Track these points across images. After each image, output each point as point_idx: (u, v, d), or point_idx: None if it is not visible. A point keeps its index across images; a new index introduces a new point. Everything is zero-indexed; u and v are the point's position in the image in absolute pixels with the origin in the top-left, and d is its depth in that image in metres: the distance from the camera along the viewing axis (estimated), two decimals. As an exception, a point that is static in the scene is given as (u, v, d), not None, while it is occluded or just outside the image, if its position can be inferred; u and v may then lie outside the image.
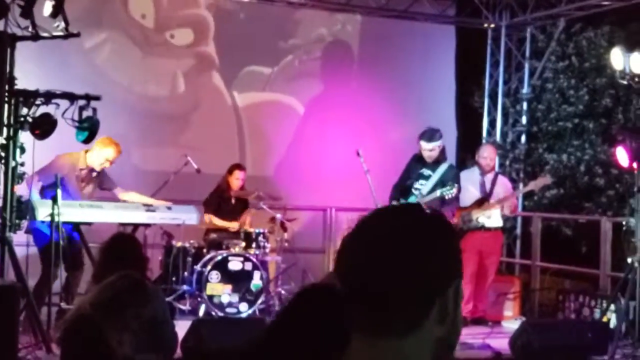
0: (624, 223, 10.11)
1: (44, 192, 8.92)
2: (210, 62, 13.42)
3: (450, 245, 1.74)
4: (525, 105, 14.51)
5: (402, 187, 9.96)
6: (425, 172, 9.98)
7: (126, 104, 12.50)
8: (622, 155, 9.36)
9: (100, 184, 9.64)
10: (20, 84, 7.76)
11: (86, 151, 9.30)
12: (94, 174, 9.45)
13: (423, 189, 9.92)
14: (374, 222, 1.75)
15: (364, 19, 14.23)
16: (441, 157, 10.06)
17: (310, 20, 13.97)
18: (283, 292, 11.25)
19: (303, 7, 13.74)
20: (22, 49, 7.83)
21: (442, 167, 10.02)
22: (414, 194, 9.93)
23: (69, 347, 4.50)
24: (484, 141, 13.93)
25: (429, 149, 9.92)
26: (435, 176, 9.96)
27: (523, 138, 14.56)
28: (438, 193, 9.76)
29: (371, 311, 1.67)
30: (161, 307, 5.31)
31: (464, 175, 10.94)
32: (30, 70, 9.36)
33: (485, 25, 14.65)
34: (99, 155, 9.32)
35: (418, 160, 10.06)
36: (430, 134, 9.98)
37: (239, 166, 11.30)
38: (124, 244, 5.41)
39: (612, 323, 9.82)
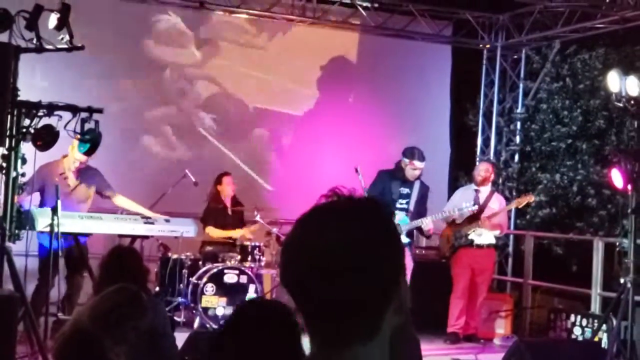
0: (617, 244, 10.20)
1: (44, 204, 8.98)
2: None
3: (394, 237, 1.66)
4: (519, 124, 14.64)
5: None
6: (404, 190, 10.10)
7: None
8: (617, 177, 9.42)
9: (98, 188, 9.69)
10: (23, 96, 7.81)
11: (64, 156, 9.37)
12: (76, 175, 9.49)
13: (411, 207, 10.06)
14: (314, 227, 1.64)
15: (361, 37, 14.34)
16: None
17: (308, 37, 14.05)
18: (277, 306, 11.30)
19: (302, 23, 13.84)
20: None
21: (417, 184, 10.16)
22: (396, 213, 9.92)
23: None
24: (477, 159, 14.02)
25: (420, 168, 10.05)
26: (414, 193, 10.11)
27: (516, 157, 14.68)
28: (465, 211, 10.14)
29: (329, 322, 1.59)
30: (161, 320, 5.35)
31: (460, 192, 11.06)
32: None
33: (481, 45, 14.79)
34: (71, 155, 9.37)
35: (393, 177, 10.13)
36: (421, 154, 10.12)
37: (225, 173, 11.39)
38: (124, 257, 5.45)
39: (604, 343, 9.88)
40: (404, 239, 9.96)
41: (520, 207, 12.26)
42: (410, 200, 10.06)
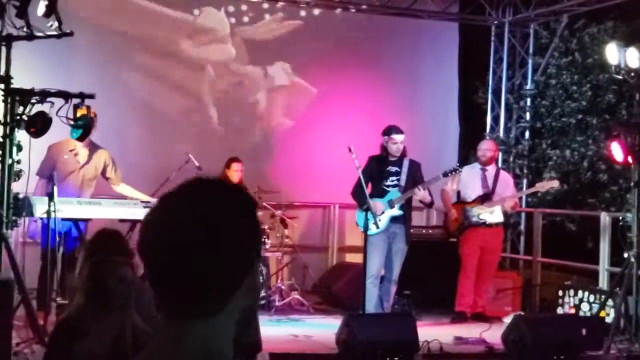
0: (620, 218, 10.15)
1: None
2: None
3: (251, 221, 1.70)
4: (529, 101, 14.55)
5: (375, 189, 10.05)
6: (392, 169, 10.14)
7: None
8: (616, 150, 9.38)
9: (103, 170, 9.76)
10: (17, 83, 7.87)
11: None
12: (87, 147, 9.55)
13: (402, 182, 10.08)
14: (170, 203, 1.68)
15: (367, 17, 14.28)
16: (405, 152, 10.20)
17: (313, 19, 14.02)
18: (283, 287, 11.35)
19: (307, 5, 13.80)
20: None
21: (406, 161, 10.18)
22: (388, 191, 10.06)
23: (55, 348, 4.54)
24: (487, 137, 13.94)
25: (400, 141, 10.08)
26: (404, 169, 10.12)
27: (527, 134, 14.59)
28: (441, 175, 10.09)
29: (171, 295, 1.63)
30: (145, 303, 5.33)
31: (466, 170, 11.00)
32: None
33: (489, 22, 14.70)
34: None
35: (378, 161, 10.19)
36: (398, 128, 10.16)
37: (235, 159, 11.41)
38: (107, 237, 5.43)
39: (611, 318, 9.84)
40: (396, 212, 9.98)
41: (543, 191, 12.23)
42: (400, 177, 10.08)
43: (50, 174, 8.81)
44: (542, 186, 11.63)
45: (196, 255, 1.60)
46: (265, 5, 13.72)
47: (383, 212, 9.91)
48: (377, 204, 9.86)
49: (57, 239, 8.41)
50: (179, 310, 1.63)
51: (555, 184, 11.66)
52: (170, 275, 1.63)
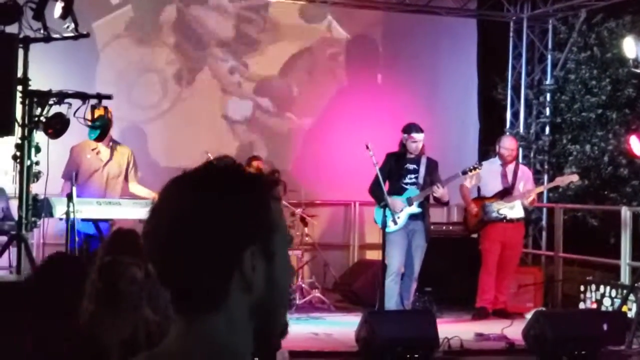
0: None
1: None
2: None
3: (236, 209, 1.61)
4: (548, 96, 14.49)
5: (393, 186, 10.08)
6: (410, 166, 10.19)
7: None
8: (636, 144, 9.35)
9: (126, 169, 9.82)
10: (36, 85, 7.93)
11: None
12: (108, 147, 9.60)
13: (420, 180, 10.14)
14: (163, 193, 1.67)
15: (385, 15, 14.26)
16: (423, 150, 10.25)
17: (332, 17, 14.02)
18: (304, 285, 11.36)
19: (324, 3, 13.80)
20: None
21: (424, 159, 10.23)
22: (407, 188, 10.10)
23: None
24: (507, 133, 13.88)
25: (420, 140, 10.14)
26: (422, 167, 10.17)
27: (547, 129, 14.53)
28: (460, 173, 10.26)
29: (175, 289, 1.62)
30: (160, 303, 5.30)
31: (486, 166, 10.97)
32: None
33: (507, 17, 14.65)
34: None
35: (397, 158, 10.22)
36: (418, 127, 10.20)
37: (255, 157, 11.44)
38: (122, 237, 5.42)
39: (633, 313, 9.79)
40: (415, 209, 10.00)
41: (563, 185, 12.23)
42: (418, 175, 10.13)
43: (70, 174, 8.85)
44: (562, 180, 11.67)
45: (176, 250, 1.59)
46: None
47: (402, 210, 9.92)
48: (396, 201, 9.87)
49: (77, 239, 8.43)
50: (180, 305, 1.62)
51: (575, 178, 11.65)
52: (162, 270, 1.62)
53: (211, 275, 1.59)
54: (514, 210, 11.07)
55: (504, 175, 11.16)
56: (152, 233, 1.63)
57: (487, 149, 13.97)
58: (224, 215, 1.60)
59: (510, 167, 11.23)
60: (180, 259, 1.59)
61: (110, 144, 9.74)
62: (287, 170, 13.02)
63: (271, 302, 1.65)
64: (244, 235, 1.60)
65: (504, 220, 11.03)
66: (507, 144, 11.36)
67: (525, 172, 11.47)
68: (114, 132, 9.77)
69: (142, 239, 1.65)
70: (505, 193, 11.08)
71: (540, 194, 12.98)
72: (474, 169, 10.42)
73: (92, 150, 9.62)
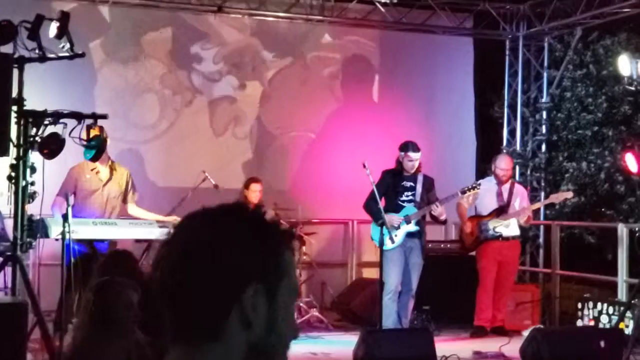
0: (637, 229, 10.11)
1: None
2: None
3: (242, 248, 1.64)
4: (544, 114, 14.52)
5: (390, 204, 10.07)
6: (407, 184, 10.21)
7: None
8: (631, 161, 9.36)
9: (125, 190, 9.78)
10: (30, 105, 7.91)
11: None
12: (108, 167, 9.57)
13: (417, 197, 10.17)
14: (179, 224, 1.71)
15: (382, 33, 14.31)
16: (420, 167, 10.27)
17: (329, 35, 14.07)
18: (302, 304, 11.34)
19: (321, 22, 13.84)
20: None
21: (420, 177, 10.26)
22: (404, 206, 10.11)
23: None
24: (504, 151, 13.91)
25: (416, 159, 10.17)
26: (419, 185, 10.20)
27: (543, 147, 14.56)
28: (459, 192, 10.27)
29: (174, 316, 1.65)
30: None
31: (483, 184, 10.98)
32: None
33: (503, 36, 14.70)
34: None
35: (395, 174, 10.26)
36: (415, 145, 10.21)
37: (254, 179, 11.42)
38: (116, 258, 5.43)
39: (630, 329, 9.77)
40: (412, 227, 10.00)
41: (557, 202, 12.27)
42: (415, 192, 10.14)
43: (66, 194, 8.81)
44: (557, 197, 11.76)
45: (183, 280, 1.62)
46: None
47: (399, 227, 9.92)
48: (393, 217, 9.88)
49: (72, 260, 8.39)
50: (177, 333, 1.65)
51: (570, 195, 11.72)
52: (166, 298, 1.65)
53: (212, 306, 1.62)
54: (509, 228, 11.09)
55: (499, 194, 11.19)
56: (161, 261, 1.67)
57: (484, 166, 13.99)
58: (233, 247, 1.63)
59: (506, 186, 11.26)
60: (186, 289, 1.62)
61: (109, 163, 9.73)
62: (285, 189, 13.04)
63: (269, 345, 1.66)
64: (250, 271, 1.63)
65: (500, 239, 11.05)
66: (503, 164, 11.35)
67: (520, 191, 11.49)
68: (111, 153, 9.75)
69: (152, 267, 1.69)
70: (501, 211, 11.10)
71: (536, 212, 13.01)
72: (473, 188, 10.44)
73: (92, 170, 9.59)
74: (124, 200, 9.91)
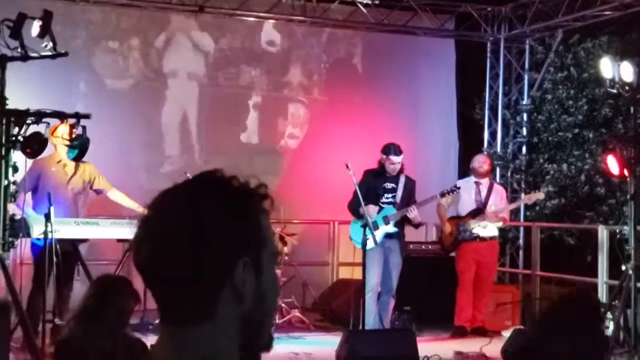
0: (617, 231, 10.16)
1: (35, 208, 9.00)
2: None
3: (228, 222, 1.61)
4: (525, 116, 14.59)
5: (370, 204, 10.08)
6: (388, 185, 10.24)
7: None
8: (612, 163, 9.41)
9: (92, 184, 9.63)
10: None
11: (56, 145, 9.26)
12: (72, 164, 9.45)
13: (397, 199, 10.19)
14: (154, 204, 1.65)
15: (364, 35, 14.33)
16: (402, 169, 10.31)
17: (311, 37, 14.07)
18: (283, 305, 11.33)
19: (303, 24, 13.84)
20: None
21: (402, 178, 10.29)
22: (384, 207, 10.14)
23: None
24: (485, 153, 13.94)
25: (398, 162, 10.20)
26: (400, 186, 10.23)
27: (524, 149, 14.62)
28: (438, 195, 10.31)
29: (162, 299, 1.62)
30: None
31: (461, 184, 11.03)
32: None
33: (484, 38, 14.74)
34: (57, 140, 9.20)
35: (376, 176, 10.28)
36: (398, 148, 10.23)
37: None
38: (110, 290, 4.87)
39: (610, 331, 9.82)
40: (391, 229, 10.02)
41: (529, 203, 12.34)
42: (396, 194, 10.18)
43: (48, 194, 8.71)
44: (529, 198, 11.90)
45: (168, 258, 1.58)
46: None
47: (378, 227, 9.91)
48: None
49: (55, 259, 8.34)
50: (166, 315, 1.62)
51: (541, 196, 11.87)
52: (149, 279, 1.62)
53: (203, 285, 1.58)
54: (486, 229, 11.14)
55: (477, 194, 11.23)
56: (142, 243, 1.62)
57: (466, 168, 14.02)
58: (219, 225, 1.60)
59: (484, 186, 11.29)
60: (172, 269, 1.58)
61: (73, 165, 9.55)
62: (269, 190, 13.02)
63: (259, 315, 1.65)
64: (238, 246, 1.61)
65: (477, 239, 11.10)
66: (480, 158, 11.54)
67: (499, 191, 11.53)
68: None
69: (132, 249, 1.65)
70: (478, 212, 11.14)
71: (516, 213, 13.07)
72: (452, 192, 10.48)
73: (58, 162, 9.42)
74: (98, 193, 9.73)
